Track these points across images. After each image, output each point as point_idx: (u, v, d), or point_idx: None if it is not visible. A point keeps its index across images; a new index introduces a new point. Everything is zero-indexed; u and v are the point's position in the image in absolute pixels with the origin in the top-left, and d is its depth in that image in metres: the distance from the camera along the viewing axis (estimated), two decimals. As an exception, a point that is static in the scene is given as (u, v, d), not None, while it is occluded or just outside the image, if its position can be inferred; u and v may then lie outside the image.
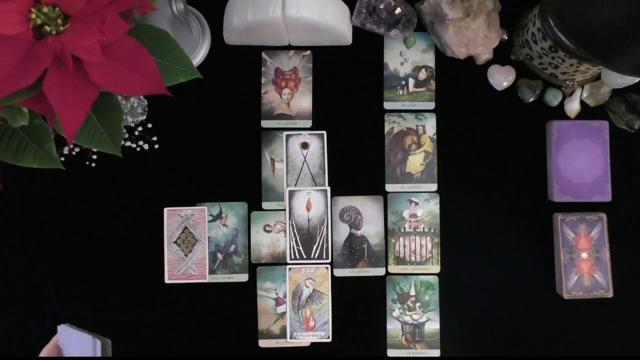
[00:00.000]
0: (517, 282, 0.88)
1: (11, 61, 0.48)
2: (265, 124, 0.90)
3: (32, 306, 0.88)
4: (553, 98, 0.89)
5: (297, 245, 0.88)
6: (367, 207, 0.89)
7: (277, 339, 0.88)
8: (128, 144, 0.88)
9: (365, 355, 0.88)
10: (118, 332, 0.87)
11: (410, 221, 0.89)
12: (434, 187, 0.89)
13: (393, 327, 0.88)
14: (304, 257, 0.88)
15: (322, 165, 0.89)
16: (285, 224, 0.88)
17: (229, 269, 0.88)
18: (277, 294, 0.88)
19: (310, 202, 0.88)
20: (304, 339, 0.88)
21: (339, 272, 0.88)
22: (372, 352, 0.88)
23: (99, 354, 0.69)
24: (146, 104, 0.88)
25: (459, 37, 0.84)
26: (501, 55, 0.89)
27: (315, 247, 0.88)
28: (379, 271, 0.88)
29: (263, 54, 0.90)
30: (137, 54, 0.51)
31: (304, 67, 0.90)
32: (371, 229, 0.89)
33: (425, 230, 0.89)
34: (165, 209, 0.88)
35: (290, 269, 0.88)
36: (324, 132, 0.89)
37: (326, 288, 0.88)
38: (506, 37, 0.89)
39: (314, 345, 0.88)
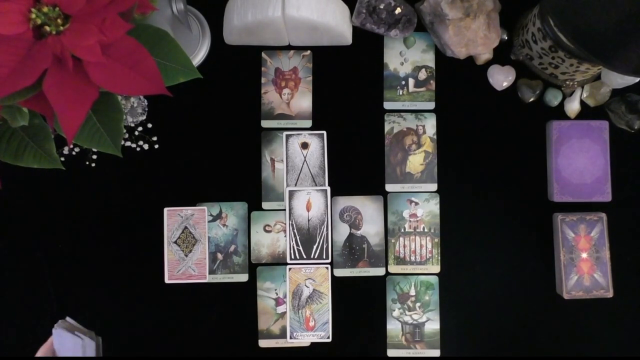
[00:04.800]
0: (517, 282, 0.88)
1: (11, 61, 0.48)
2: (265, 124, 0.90)
3: (32, 306, 0.88)
4: (553, 98, 0.89)
5: (297, 245, 0.88)
6: (367, 207, 0.89)
7: (277, 339, 0.88)
8: (128, 144, 0.88)
9: (365, 355, 0.88)
10: (118, 332, 0.87)
11: (410, 221, 0.89)
12: (434, 187, 0.89)
13: (393, 327, 0.88)
14: (304, 257, 0.88)
15: (322, 165, 0.89)
16: (285, 224, 0.88)
17: (229, 269, 0.88)
18: (277, 294, 0.88)
19: (310, 202, 0.88)
20: (304, 339, 0.88)
21: (339, 272, 0.88)
22: (372, 352, 0.88)
23: (89, 355, 0.70)
24: (146, 104, 0.88)
25: (459, 37, 0.84)
26: (501, 55, 0.89)
27: (315, 247, 0.88)
28: (379, 271, 0.88)
29: (263, 54, 0.90)
30: (137, 54, 0.51)
31: (304, 67, 0.90)
32: (371, 229, 0.89)
33: (425, 230, 0.89)
34: (165, 209, 0.88)
35: (290, 269, 0.88)
36: (324, 132, 0.89)
37: (326, 288, 0.88)
38: (506, 37, 0.89)
39: (314, 345, 0.88)
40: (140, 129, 0.89)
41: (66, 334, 0.70)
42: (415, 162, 0.89)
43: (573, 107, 0.89)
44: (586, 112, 0.89)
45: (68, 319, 0.73)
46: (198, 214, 0.88)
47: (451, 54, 0.87)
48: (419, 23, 0.88)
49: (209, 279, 0.88)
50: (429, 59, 0.91)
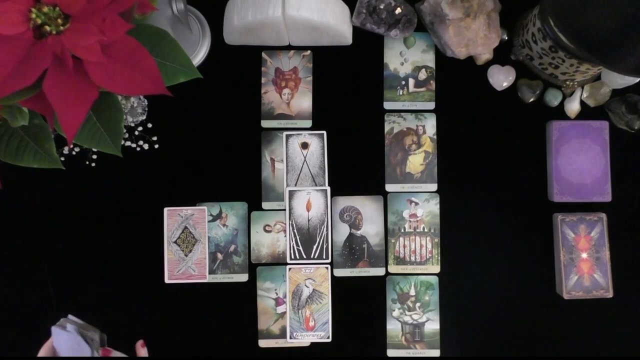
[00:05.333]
0: (517, 282, 0.88)
1: (11, 61, 0.48)
2: (265, 124, 0.90)
3: (32, 306, 0.88)
4: (553, 98, 0.89)
5: (297, 245, 0.88)
6: (367, 207, 0.89)
7: (277, 339, 0.88)
8: (128, 144, 0.88)
9: (365, 355, 0.88)
10: (118, 332, 0.87)
11: (410, 221, 0.89)
12: (434, 187, 0.89)
13: (393, 327, 0.88)
14: (304, 257, 0.88)
15: (322, 165, 0.89)
16: (285, 224, 0.88)
17: (229, 269, 0.88)
18: (277, 294, 0.88)
19: (310, 202, 0.88)
20: (304, 339, 0.88)
21: (339, 272, 0.88)
22: (372, 352, 0.88)
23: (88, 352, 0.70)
24: (146, 104, 0.88)
25: (459, 37, 0.84)
26: (501, 55, 0.89)
27: (315, 247, 0.88)
28: (379, 271, 0.88)
29: (263, 54, 0.90)
30: (137, 54, 0.51)
31: (304, 67, 0.90)
32: (371, 229, 0.89)
33: (425, 230, 0.89)
34: (165, 209, 0.88)
35: (290, 269, 0.88)
36: (324, 132, 0.89)
37: (326, 288, 0.88)
38: (506, 37, 0.89)
39: (314, 345, 0.88)
40: (140, 129, 0.89)
41: (62, 333, 0.70)
42: (415, 162, 0.89)
43: (573, 107, 0.89)
44: (586, 112, 0.89)
45: (70, 316, 0.73)
46: (198, 214, 0.88)
47: (451, 54, 0.87)
48: (419, 23, 0.88)
49: (209, 279, 0.88)
50: (429, 59, 0.91)
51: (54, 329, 0.70)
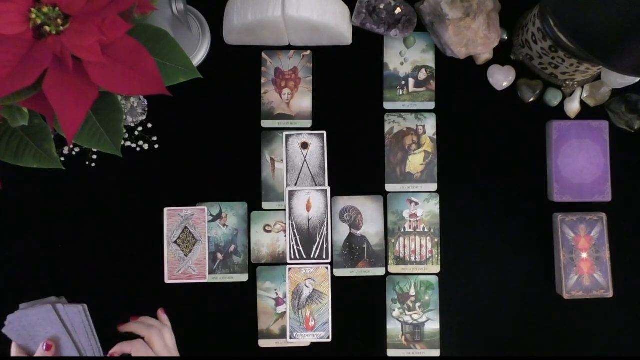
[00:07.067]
0: (517, 282, 0.88)
1: (11, 61, 0.48)
2: (265, 124, 0.90)
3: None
4: (553, 98, 0.89)
5: (297, 245, 0.88)
6: (367, 207, 0.89)
7: (277, 339, 0.88)
8: (128, 144, 0.88)
9: (365, 355, 0.88)
10: (118, 332, 0.87)
11: (410, 221, 0.89)
12: (434, 187, 0.89)
13: (393, 327, 0.88)
14: (304, 257, 0.88)
15: (322, 165, 0.89)
16: (285, 224, 0.88)
17: (229, 269, 0.88)
18: (277, 294, 0.88)
19: (310, 202, 0.88)
20: (304, 339, 0.88)
21: (339, 272, 0.88)
22: (372, 352, 0.88)
23: (68, 318, 0.70)
24: (146, 104, 0.88)
25: (459, 37, 0.84)
26: (501, 55, 0.89)
27: (315, 247, 0.88)
28: (379, 271, 0.88)
29: (263, 54, 0.90)
30: (137, 54, 0.51)
31: (304, 67, 0.90)
32: (371, 229, 0.89)
33: (425, 230, 0.89)
34: (165, 209, 0.88)
35: (290, 269, 0.88)
36: (324, 132, 0.89)
37: (326, 288, 0.88)
38: (506, 37, 0.89)
39: (314, 345, 0.88)
40: (140, 129, 0.89)
41: (30, 311, 0.70)
42: (415, 162, 0.89)
43: (573, 107, 0.89)
44: (586, 112, 0.89)
45: (21, 305, 0.74)
46: (198, 214, 0.88)
47: (451, 54, 0.87)
48: (419, 23, 0.88)
49: (209, 279, 0.88)
50: (429, 59, 0.91)
51: (6, 328, 0.71)
